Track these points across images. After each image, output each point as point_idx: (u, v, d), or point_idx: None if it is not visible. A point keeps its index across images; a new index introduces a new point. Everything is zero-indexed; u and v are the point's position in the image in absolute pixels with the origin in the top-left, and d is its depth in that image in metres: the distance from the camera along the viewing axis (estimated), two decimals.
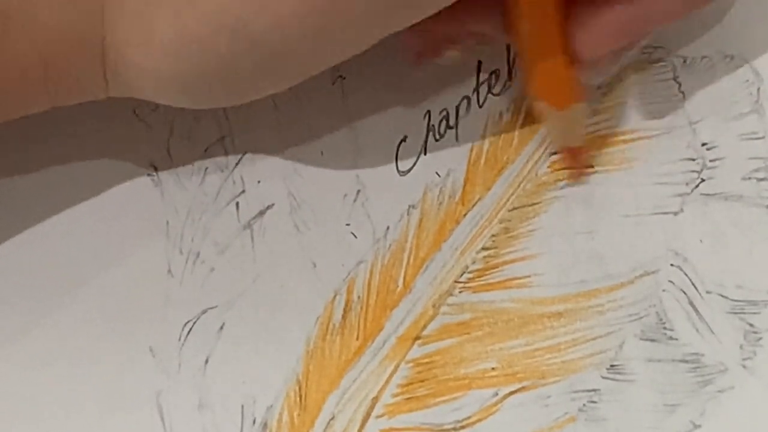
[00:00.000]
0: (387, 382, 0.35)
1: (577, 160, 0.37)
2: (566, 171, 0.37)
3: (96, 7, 0.32)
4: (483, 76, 0.38)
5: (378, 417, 0.35)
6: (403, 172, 0.37)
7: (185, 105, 0.34)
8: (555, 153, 0.37)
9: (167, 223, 0.37)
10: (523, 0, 0.34)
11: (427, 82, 0.38)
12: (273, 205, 0.37)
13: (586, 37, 0.34)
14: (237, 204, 0.37)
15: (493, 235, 0.37)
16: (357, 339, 0.36)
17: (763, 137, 0.37)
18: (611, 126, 0.37)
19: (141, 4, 0.32)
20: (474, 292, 0.36)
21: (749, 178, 0.37)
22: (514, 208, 0.37)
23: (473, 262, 0.36)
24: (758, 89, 0.37)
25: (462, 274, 0.36)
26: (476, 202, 0.37)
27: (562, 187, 0.37)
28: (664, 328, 0.35)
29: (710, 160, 0.37)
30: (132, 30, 0.32)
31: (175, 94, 0.33)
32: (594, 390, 0.35)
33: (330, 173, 0.37)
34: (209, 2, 0.31)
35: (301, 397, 0.35)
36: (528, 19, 0.34)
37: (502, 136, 0.37)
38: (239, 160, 0.37)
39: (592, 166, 0.37)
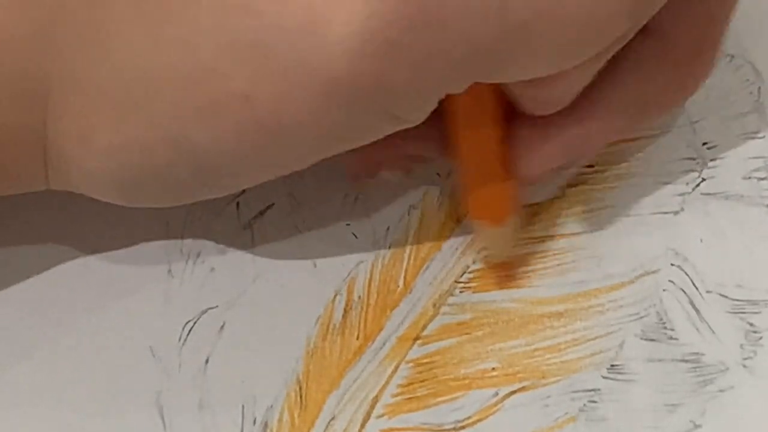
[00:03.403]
0: (387, 382, 0.35)
1: (507, 273, 0.36)
2: (495, 281, 0.36)
3: (40, 104, 0.31)
4: None
5: (378, 417, 0.35)
6: None
7: (120, 203, 0.33)
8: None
9: (167, 223, 0.37)
10: (461, 123, 0.33)
11: None
12: (273, 205, 0.37)
13: (525, 157, 0.34)
14: (237, 204, 0.37)
15: None
16: (357, 339, 0.36)
17: (763, 137, 0.37)
18: None
19: (84, 105, 0.31)
20: (474, 292, 0.36)
21: (750, 178, 0.37)
22: None
23: (473, 262, 0.36)
24: (759, 89, 0.37)
25: (462, 274, 0.36)
26: None
27: (562, 187, 0.37)
28: (665, 328, 0.35)
29: (710, 160, 0.37)
30: (73, 129, 0.31)
31: (112, 193, 0.33)
32: (594, 390, 0.35)
33: (330, 173, 0.37)
34: (151, 109, 0.30)
35: (301, 397, 0.35)
36: (465, 140, 0.33)
37: None
38: None
39: (592, 166, 0.37)
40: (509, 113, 0.33)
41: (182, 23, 0.30)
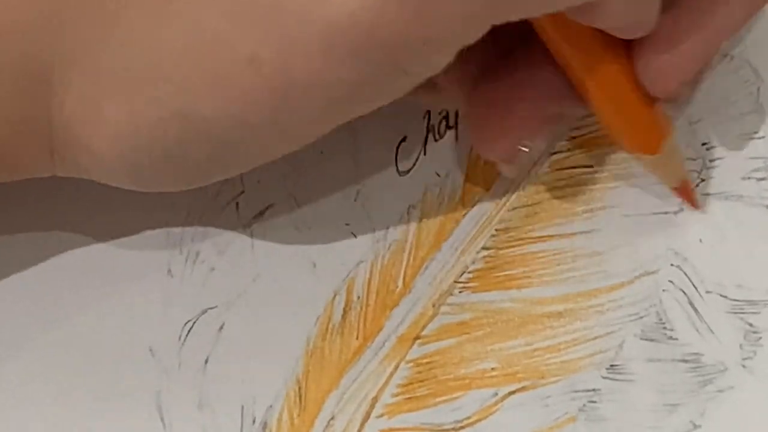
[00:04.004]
0: (387, 382, 0.35)
1: (687, 195, 0.36)
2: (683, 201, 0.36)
3: (44, 89, 0.31)
4: None
5: (378, 417, 0.35)
6: (403, 172, 0.37)
7: (132, 188, 0.33)
8: (555, 152, 0.37)
9: (167, 223, 0.37)
10: (583, 69, 0.33)
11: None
12: (273, 205, 0.37)
13: (658, 78, 0.33)
14: (237, 204, 0.37)
15: (493, 235, 0.37)
16: (357, 339, 0.36)
17: (763, 137, 0.37)
18: None
19: (90, 87, 0.31)
20: (474, 292, 0.36)
21: (749, 178, 0.36)
22: (514, 208, 0.37)
23: (473, 262, 0.36)
24: (758, 89, 0.37)
25: (462, 274, 0.36)
26: (476, 202, 0.37)
27: (562, 187, 0.37)
28: (664, 328, 0.35)
29: (710, 160, 0.37)
30: (80, 112, 0.31)
31: (122, 177, 0.32)
32: (594, 390, 0.35)
33: (330, 173, 0.37)
34: (159, 87, 0.30)
35: (301, 397, 0.35)
36: (594, 84, 0.33)
37: None
38: None
39: (591, 166, 0.37)
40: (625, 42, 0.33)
41: None
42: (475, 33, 0.30)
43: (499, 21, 0.30)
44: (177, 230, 0.37)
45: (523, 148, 0.35)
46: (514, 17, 0.30)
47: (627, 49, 0.33)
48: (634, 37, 0.32)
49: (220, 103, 0.30)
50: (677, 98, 0.34)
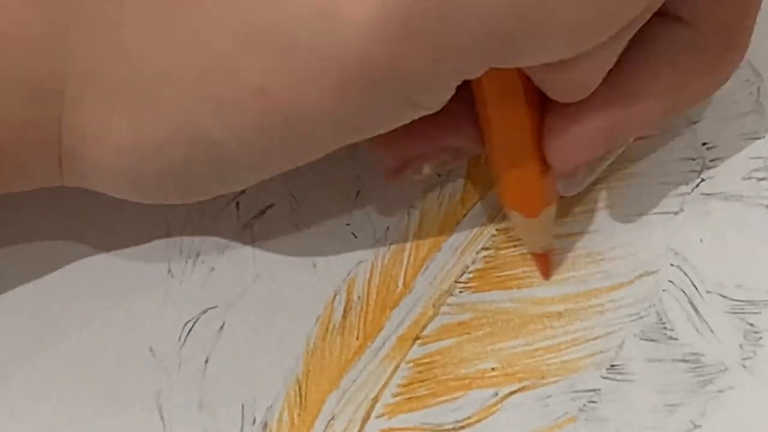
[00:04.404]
0: (387, 382, 0.35)
1: (543, 264, 0.36)
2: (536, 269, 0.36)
3: (56, 101, 0.31)
4: None
5: (378, 417, 0.35)
6: None
7: (135, 200, 0.33)
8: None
9: (167, 223, 0.37)
10: (492, 112, 0.33)
11: None
12: (273, 205, 0.37)
13: (559, 148, 0.33)
14: (237, 204, 0.37)
15: (493, 235, 0.37)
16: (357, 339, 0.36)
17: (763, 137, 0.37)
18: None
19: (99, 103, 0.31)
20: (474, 292, 0.36)
21: (749, 178, 0.37)
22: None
23: (473, 262, 0.36)
24: (758, 89, 0.37)
25: (462, 274, 0.36)
26: (476, 202, 0.37)
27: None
28: (664, 328, 0.35)
29: (710, 160, 0.37)
30: (89, 124, 0.31)
31: (126, 190, 0.33)
32: (594, 390, 0.35)
33: (330, 173, 0.37)
34: (168, 105, 0.30)
35: (301, 397, 0.35)
36: (498, 130, 0.33)
37: None
38: None
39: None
40: (542, 103, 0.33)
41: (196, 16, 0.30)
42: (479, 71, 0.30)
43: (498, 64, 0.30)
44: (177, 230, 0.37)
45: (408, 170, 0.35)
46: (509, 64, 0.30)
47: (540, 114, 0.33)
48: (571, 100, 0.32)
49: (230, 127, 0.30)
50: (571, 177, 0.34)
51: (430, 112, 0.31)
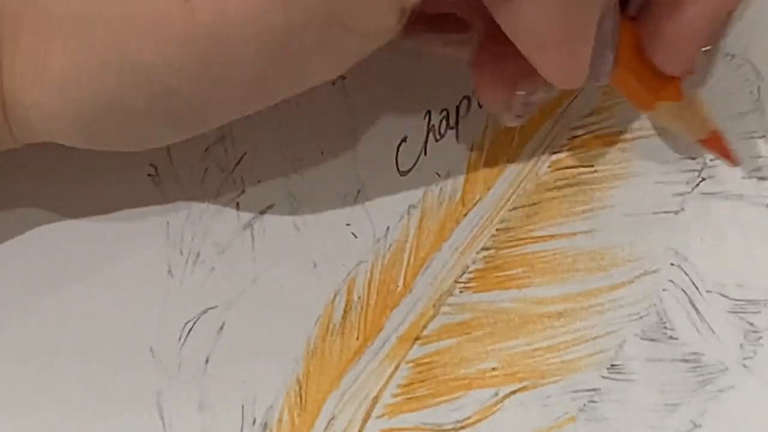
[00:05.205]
0: (387, 382, 0.35)
1: (718, 147, 0.36)
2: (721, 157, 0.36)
3: None
4: None
5: (378, 417, 0.35)
6: (403, 172, 0.37)
7: (86, 146, 0.32)
8: (555, 152, 0.37)
9: (167, 223, 0.37)
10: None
11: (427, 82, 0.38)
12: (273, 205, 0.37)
13: (667, 55, 0.33)
14: (237, 204, 0.37)
15: (493, 235, 0.37)
16: (357, 339, 0.36)
17: (763, 136, 0.37)
18: (611, 126, 0.37)
19: (35, 39, 0.31)
20: (474, 292, 0.36)
21: (749, 177, 0.36)
22: (514, 208, 0.37)
23: (473, 262, 0.36)
24: (759, 88, 0.37)
25: (462, 274, 0.36)
26: (476, 202, 0.37)
27: (562, 187, 0.37)
28: (665, 328, 0.35)
29: (710, 160, 0.37)
30: (28, 66, 0.31)
31: (73, 134, 0.32)
32: (594, 390, 0.35)
33: (330, 173, 0.37)
34: (97, 31, 0.30)
35: (301, 397, 0.35)
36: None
37: (502, 135, 0.37)
38: (239, 160, 0.37)
39: (592, 166, 0.37)
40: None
41: None
42: None
43: None
44: (177, 230, 0.37)
45: (519, 92, 0.34)
46: None
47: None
48: (567, 86, 0.32)
49: (155, 47, 0.30)
50: (693, 70, 0.34)
51: (379, 43, 0.30)
